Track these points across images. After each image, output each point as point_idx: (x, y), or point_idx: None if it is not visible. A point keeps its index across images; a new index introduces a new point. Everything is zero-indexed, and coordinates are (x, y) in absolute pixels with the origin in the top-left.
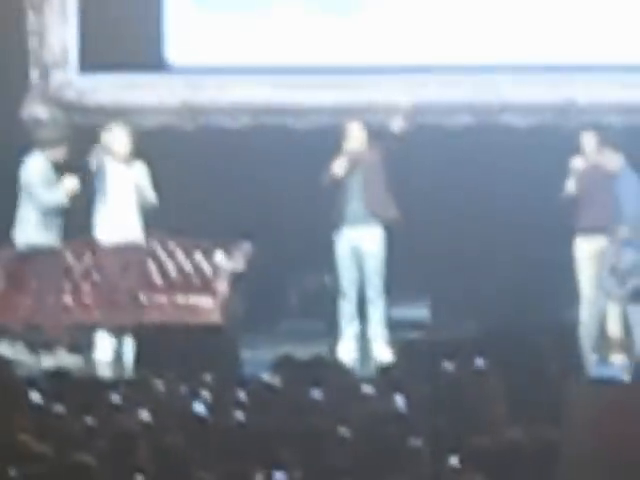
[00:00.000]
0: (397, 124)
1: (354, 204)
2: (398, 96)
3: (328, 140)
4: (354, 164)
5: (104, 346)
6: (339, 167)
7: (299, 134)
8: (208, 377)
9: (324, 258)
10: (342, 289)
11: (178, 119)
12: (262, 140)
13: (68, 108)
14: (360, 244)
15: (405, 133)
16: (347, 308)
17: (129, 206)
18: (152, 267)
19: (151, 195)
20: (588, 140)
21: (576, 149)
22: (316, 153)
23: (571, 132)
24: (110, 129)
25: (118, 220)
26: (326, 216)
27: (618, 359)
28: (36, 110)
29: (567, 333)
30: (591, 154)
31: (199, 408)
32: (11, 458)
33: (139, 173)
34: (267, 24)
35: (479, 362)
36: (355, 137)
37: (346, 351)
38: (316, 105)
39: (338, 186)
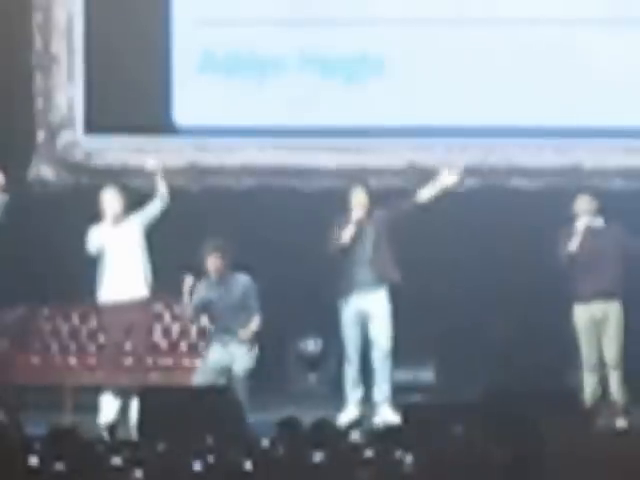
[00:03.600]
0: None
1: (361, 269)
2: (404, 159)
3: (333, 202)
4: (360, 230)
5: (108, 408)
6: (346, 235)
7: (304, 196)
8: (212, 439)
9: (327, 322)
10: (347, 355)
11: (184, 180)
12: (267, 201)
13: (74, 169)
14: (366, 308)
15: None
16: (352, 374)
17: (130, 266)
18: (157, 329)
19: (155, 208)
20: (584, 204)
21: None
22: (321, 215)
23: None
24: (102, 191)
25: (120, 281)
26: (329, 279)
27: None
28: (42, 171)
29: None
30: (587, 218)
31: (200, 470)
32: None
33: (135, 217)
34: (273, 87)
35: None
36: (359, 202)
37: (350, 416)
38: (321, 167)
39: (345, 253)
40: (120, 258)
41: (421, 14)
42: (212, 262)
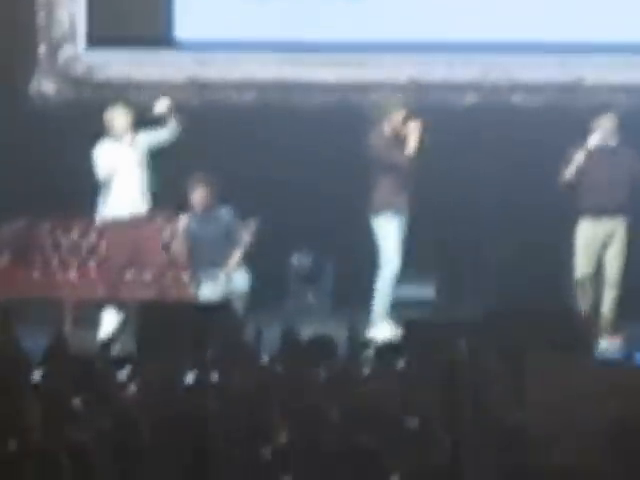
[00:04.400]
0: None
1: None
2: (404, 74)
3: (333, 116)
4: None
5: (108, 323)
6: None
7: (305, 111)
8: (212, 354)
9: (327, 237)
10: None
11: (184, 95)
12: (267, 116)
13: (76, 84)
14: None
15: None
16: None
17: (134, 184)
18: (157, 244)
19: (164, 137)
20: (604, 122)
21: (583, 129)
22: (321, 130)
23: (579, 112)
24: (109, 109)
25: (124, 198)
26: (331, 194)
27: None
28: (44, 86)
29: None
30: (605, 136)
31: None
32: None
33: (143, 136)
34: (275, 1)
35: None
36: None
37: (386, 333)
38: (322, 82)
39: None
40: (125, 175)
41: None
42: (197, 196)
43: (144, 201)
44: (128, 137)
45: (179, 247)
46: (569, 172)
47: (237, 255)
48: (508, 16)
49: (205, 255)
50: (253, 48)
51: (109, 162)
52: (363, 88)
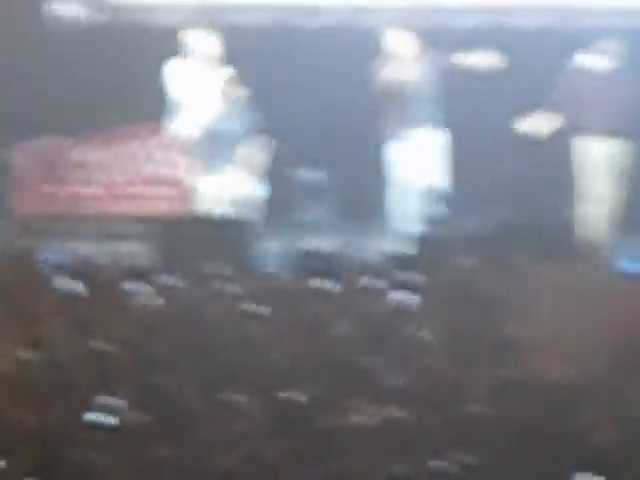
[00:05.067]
0: None
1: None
2: None
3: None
4: None
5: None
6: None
7: (312, 33)
8: (221, 268)
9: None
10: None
11: (200, 17)
12: (278, 38)
13: (90, 6)
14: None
15: None
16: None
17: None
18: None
19: None
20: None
21: (579, 50)
22: (329, 52)
23: (576, 33)
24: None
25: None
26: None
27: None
28: (58, 7)
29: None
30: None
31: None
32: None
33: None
34: None
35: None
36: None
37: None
38: (330, 5)
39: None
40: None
41: None
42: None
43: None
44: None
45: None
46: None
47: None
48: None
49: (222, 150)
50: None
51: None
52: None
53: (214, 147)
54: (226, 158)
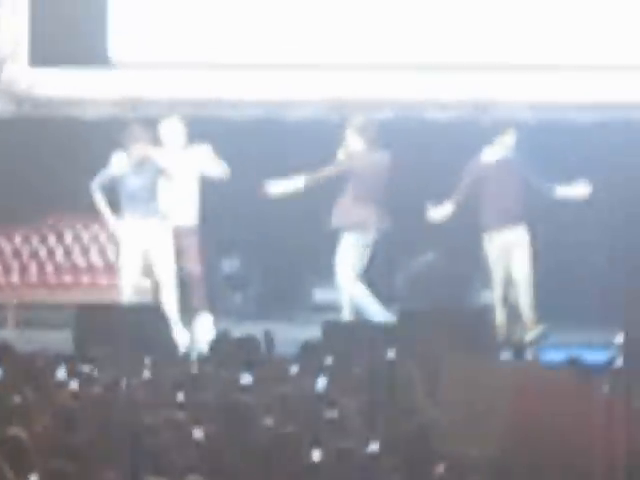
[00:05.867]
0: None
1: None
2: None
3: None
4: None
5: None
6: None
7: (236, 125)
8: (144, 356)
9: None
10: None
11: (121, 111)
12: (201, 130)
13: (19, 101)
14: None
15: None
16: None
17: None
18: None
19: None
20: (504, 138)
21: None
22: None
23: (488, 127)
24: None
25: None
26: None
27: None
28: None
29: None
30: (502, 150)
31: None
32: None
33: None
34: (207, 22)
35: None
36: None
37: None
38: (250, 98)
39: None
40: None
41: None
42: (136, 148)
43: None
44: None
45: (114, 252)
46: (465, 186)
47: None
48: (424, 38)
49: (133, 200)
50: (186, 67)
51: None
52: (288, 104)
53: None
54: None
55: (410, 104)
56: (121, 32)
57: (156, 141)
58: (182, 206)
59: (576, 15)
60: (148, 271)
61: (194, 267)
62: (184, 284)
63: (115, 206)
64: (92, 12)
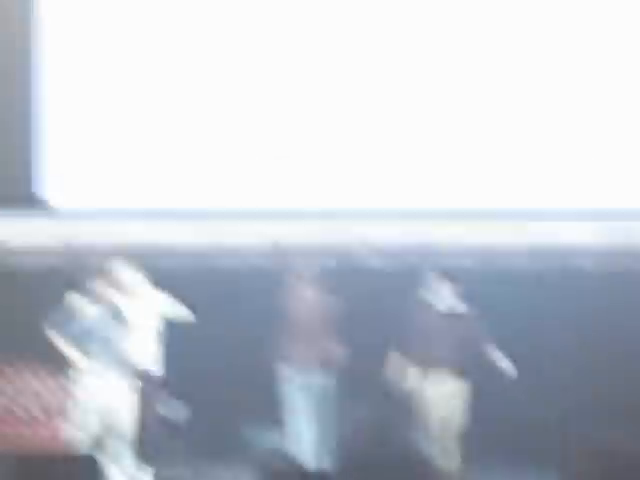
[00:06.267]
0: None
1: None
2: (259, 239)
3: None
4: None
5: None
6: None
7: (171, 274)
8: None
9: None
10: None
11: (57, 259)
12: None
13: None
14: None
15: None
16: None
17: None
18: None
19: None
20: (440, 285)
21: (422, 289)
22: (187, 293)
23: (428, 274)
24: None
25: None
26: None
27: None
28: None
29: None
30: (443, 298)
31: None
32: None
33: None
34: (145, 168)
35: None
36: None
37: None
38: (188, 246)
39: None
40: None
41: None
42: (100, 288)
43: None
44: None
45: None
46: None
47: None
48: (364, 183)
49: (96, 351)
50: (124, 216)
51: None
52: (231, 251)
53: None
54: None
55: (350, 251)
56: (55, 175)
57: (113, 285)
58: (140, 351)
59: (508, 161)
60: (98, 420)
61: (147, 412)
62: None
63: (69, 349)
64: (25, 154)
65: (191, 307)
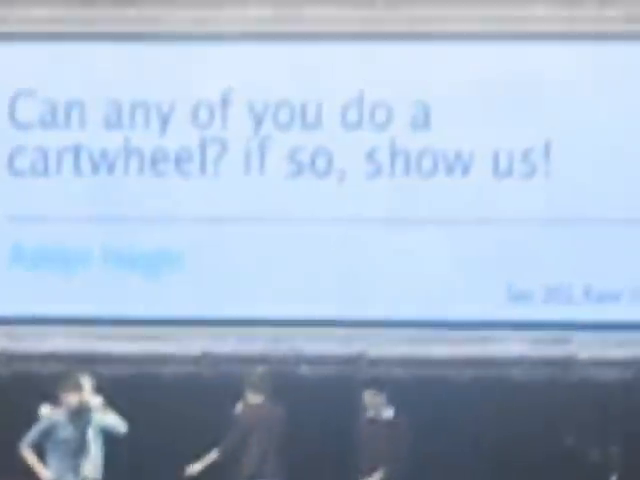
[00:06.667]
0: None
1: None
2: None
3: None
4: None
5: None
6: None
7: (109, 380)
8: None
9: None
10: None
11: None
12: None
13: None
14: None
15: None
16: None
17: None
18: None
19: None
20: (369, 397)
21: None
22: (127, 398)
23: (360, 384)
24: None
25: None
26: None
27: None
28: None
29: None
30: (372, 407)
31: None
32: None
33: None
34: (79, 280)
35: None
36: None
37: None
38: (124, 354)
39: None
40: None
41: (215, 213)
42: (70, 398)
43: None
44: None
45: None
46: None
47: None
48: (294, 292)
49: (64, 459)
50: (59, 322)
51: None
52: (160, 359)
53: None
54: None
55: (283, 358)
56: None
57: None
58: (84, 460)
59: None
60: None
61: None
62: None
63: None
64: None
65: (126, 415)
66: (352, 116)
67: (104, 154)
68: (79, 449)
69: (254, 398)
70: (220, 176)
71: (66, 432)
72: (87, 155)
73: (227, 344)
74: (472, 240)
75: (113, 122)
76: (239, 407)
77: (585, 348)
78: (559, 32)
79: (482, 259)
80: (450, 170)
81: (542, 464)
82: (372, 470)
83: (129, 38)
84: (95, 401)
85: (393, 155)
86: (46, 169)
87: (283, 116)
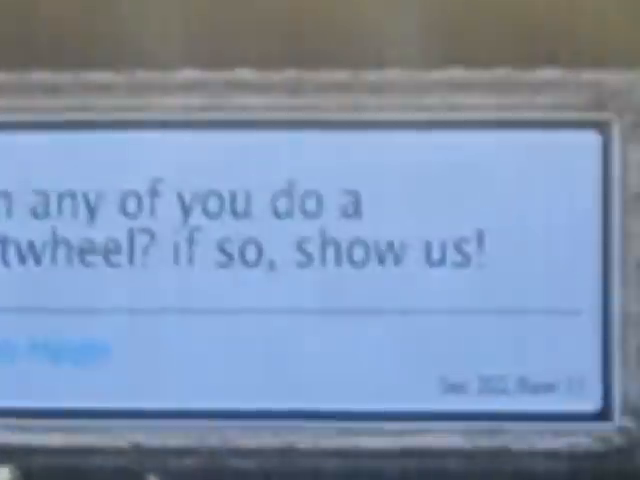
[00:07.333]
0: None
1: None
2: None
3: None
4: None
5: None
6: None
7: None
8: None
9: None
10: None
11: None
12: None
13: None
14: None
15: None
16: None
17: None
18: None
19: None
20: None
21: None
22: None
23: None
24: None
25: None
26: None
27: None
28: None
29: None
30: None
31: None
32: None
33: None
34: (3, 371)
35: None
36: None
37: None
38: (48, 446)
39: None
40: None
41: (145, 304)
42: None
43: None
44: None
45: None
46: None
47: None
48: (224, 383)
49: None
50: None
51: None
52: (89, 451)
53: None
54: None
55: (213, 451)
56: None
57: None
58: None
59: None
60: None
61: None
62: None
63: None
64: None
65: None
66: (282, 205)
67: (31, 245)
68: None
69: None
70: (148, 267)
71: None
72: (14, 246)
73: (156, 437)
74: (405, 331)
75: (40, 212)
76: None
77: (520, 439)
78: (489, 120)
79: (415, 349)
80: (382, 260)
81: None
82: None
83: (55, 127)
84: None
85: (324, 244)
86: None
87: (212, 205)
